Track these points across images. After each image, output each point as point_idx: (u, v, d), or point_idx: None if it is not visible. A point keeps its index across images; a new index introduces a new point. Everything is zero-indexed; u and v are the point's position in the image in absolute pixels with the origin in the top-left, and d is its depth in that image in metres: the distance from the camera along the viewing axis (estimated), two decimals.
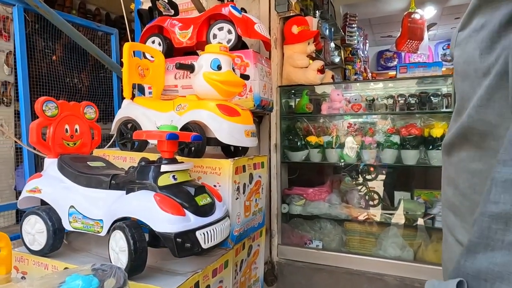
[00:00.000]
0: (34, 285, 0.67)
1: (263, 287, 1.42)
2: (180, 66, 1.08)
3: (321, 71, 1.81)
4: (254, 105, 1.36)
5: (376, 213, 1.98)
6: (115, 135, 1.33)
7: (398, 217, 1.90)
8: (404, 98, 1.83)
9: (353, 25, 4.71)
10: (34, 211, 0.94)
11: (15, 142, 3.35)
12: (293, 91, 2.06)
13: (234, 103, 1.16)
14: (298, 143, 1.93)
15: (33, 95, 3.23)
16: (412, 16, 4.09)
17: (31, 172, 1.36)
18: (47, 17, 1.20)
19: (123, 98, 1.34)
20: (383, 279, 1.73)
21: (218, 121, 1.06)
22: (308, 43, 1.84)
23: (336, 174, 2.15)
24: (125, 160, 1.20)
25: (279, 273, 1.89)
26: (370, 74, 6.49)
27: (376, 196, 2.12)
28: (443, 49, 7.37)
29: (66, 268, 0.92)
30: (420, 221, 1.84)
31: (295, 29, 1.82)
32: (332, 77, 1.94)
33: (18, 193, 3.33)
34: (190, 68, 1.09)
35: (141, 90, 1.63)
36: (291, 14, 1.86)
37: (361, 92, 2.00)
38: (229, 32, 1.37)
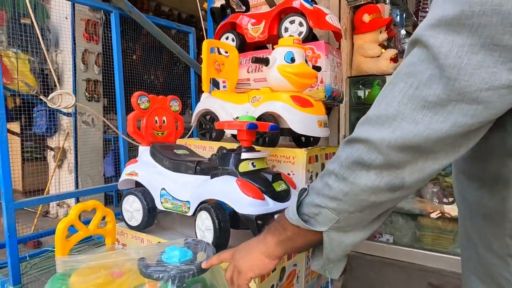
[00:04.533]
0: (140, 252, 0.79)
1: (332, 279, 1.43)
2: (256, 60, 1.13)
3: (394, 60, 1.74)
4: (325, 96, 1.37)
5: (453, 209, 1.86)
6: (193, 126, 1.44)
7: None
8: None
9: (427, 9, 4.38)
10: (132, 191, 1.08)
11: (104, 133, 3.77)
12: (362, 82, 2.01)
13: (306, 94, 1.19)
14: None
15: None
16: None
17: (125, 158, 1.54)
18: (137, 20, 1.34)
19: (199, 92, 1.44)
20: (460, 278, 1.62)
21: (292, 112, 1.10)
22: (380, 32, 1.78)
23: None
24: (204, 148, 1.30)
25: (348, 266, 1.88)
26: None
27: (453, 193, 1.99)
28: None
29: (159, 242, 1.04)
30: None
31: (366, 18, 1.77)
32: None
33: (106, 179, 3.77)
34: (265, 62, 1.14)
35: (216, 84, 1.74)
36: (362, 2, 1.81)
37: None
38: (301, 24, 1.39)
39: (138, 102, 1.12)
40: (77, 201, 3.25)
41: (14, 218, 1.07)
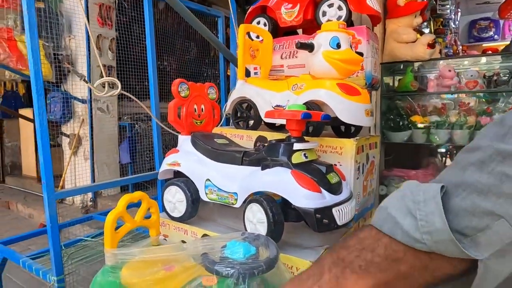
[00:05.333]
0: (198, 246, 0.76)
1: None
2: (301, 46, 1.08)
3: (432, 45, 1.67)
4: (366, 84, 1.32)
5: None
6: (224, 114, 1.41)
7: None
8: None
9: None
10: (174, 182, 1.05)
11: (119, 120, 3.74)
12: (395, 69, 1.95)
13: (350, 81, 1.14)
14: (401, 123, 1.84)
15: (132, 79, 3.57)
16: None
17: (159, 147, 1.52)
18: (169, 2, 1.29)
19: (227, 79, 1.40)
20: None
21: (339, 100, 1.05)
22: (415, 16, 1.71)
23: (441, 156, 2.02)
24: (242, 138, 1.26)
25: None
26: (460, 47, 5.83)
27: None
28: None
29: (204, 234, 1.02)
30: None
31: (401, 1, 1.70)
32: (440, 52, 1.78)
33: (121, 166, 3.77)
34: (310, 48, 1.09)
35: (246, 72, 1.69)
36: None
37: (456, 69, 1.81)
38: (340, 8, 1.33)
39: (179, 90, 1.08)
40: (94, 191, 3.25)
41: (56, 208, 1.05)
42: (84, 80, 1.09)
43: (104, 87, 1.13)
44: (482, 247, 0.35)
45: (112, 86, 3.75)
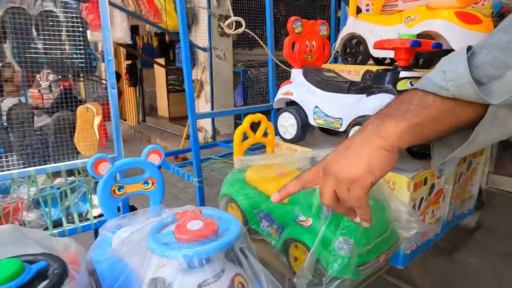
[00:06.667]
0: (307, 154, 0.93)
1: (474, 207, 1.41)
2: None
3: None
4: (493, 13, 1.21)
5: None
6: (333, 52, 1.48)
7: None
8: None
9: None
10: (287, 109, 1.23)
11: (234, 66, 4.10)
12: None
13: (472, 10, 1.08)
14: None
15: (248, 28, 3.79)
16: None
17: (273, 84, 1.71)
18: None
19: (337, 21, 1.43)
20: None
21: (455, 29, 1.03)
22: None
23: None
24: (349, 73, 1.34)
25: (487, 201, 1.78)
26: None
27: None
28: None
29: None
30: None
31: None
32: None
33: (236, 108, 4.19)
34: None
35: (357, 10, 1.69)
36: None
37: None
38: None
39: (293, 26, 1.20)
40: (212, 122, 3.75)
41: (196, 127, 1.36)
42: (218, 19, 1.30)
43: (230, 28, 1.33)
44: (495, 94, 0.41)
45: (228, 35, 4.06)
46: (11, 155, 1.06)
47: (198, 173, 1.38)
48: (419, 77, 0.98)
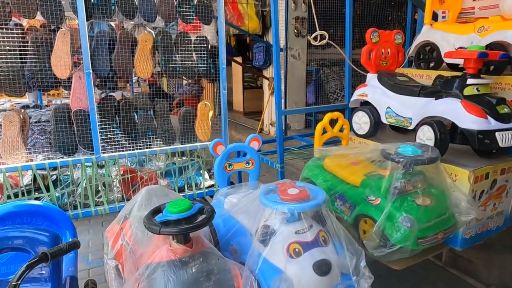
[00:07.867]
0: (379, 146, 1.12)
1: None
2: None
3: None
4: None
5: None
6: (407, 57, 1.61)
7: None
8: None
9: None
10: (361, 108, 1.42)
11: (307, 65, 4.29)
12: None
13: None
14: None
15: (320, 29, 3.95)
16: None
17: (349, 85, 1.90)
18: None
19: (414, 23, 1.54)
20: None
21: None
22: None
23: None
24: (421, 77, 1.48)
25: None
26: None
27: None
28: None
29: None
30: None
31: None
32: None
33: (307, 105, 4.39)
34: None
35: (434, 16, 1.78)
36: None
37: None
38: None
39: (371, 37, 1.39)
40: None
41: (281, 122, 1.62)
42: (306, 35, 1.53)
43: (315, 39, 1.56)
44: None
45: (303, 35, 4.24)
46: (155, 137, 1.45)
47: (281, 160, 1.65)
48: (486, 84, 1.10)
